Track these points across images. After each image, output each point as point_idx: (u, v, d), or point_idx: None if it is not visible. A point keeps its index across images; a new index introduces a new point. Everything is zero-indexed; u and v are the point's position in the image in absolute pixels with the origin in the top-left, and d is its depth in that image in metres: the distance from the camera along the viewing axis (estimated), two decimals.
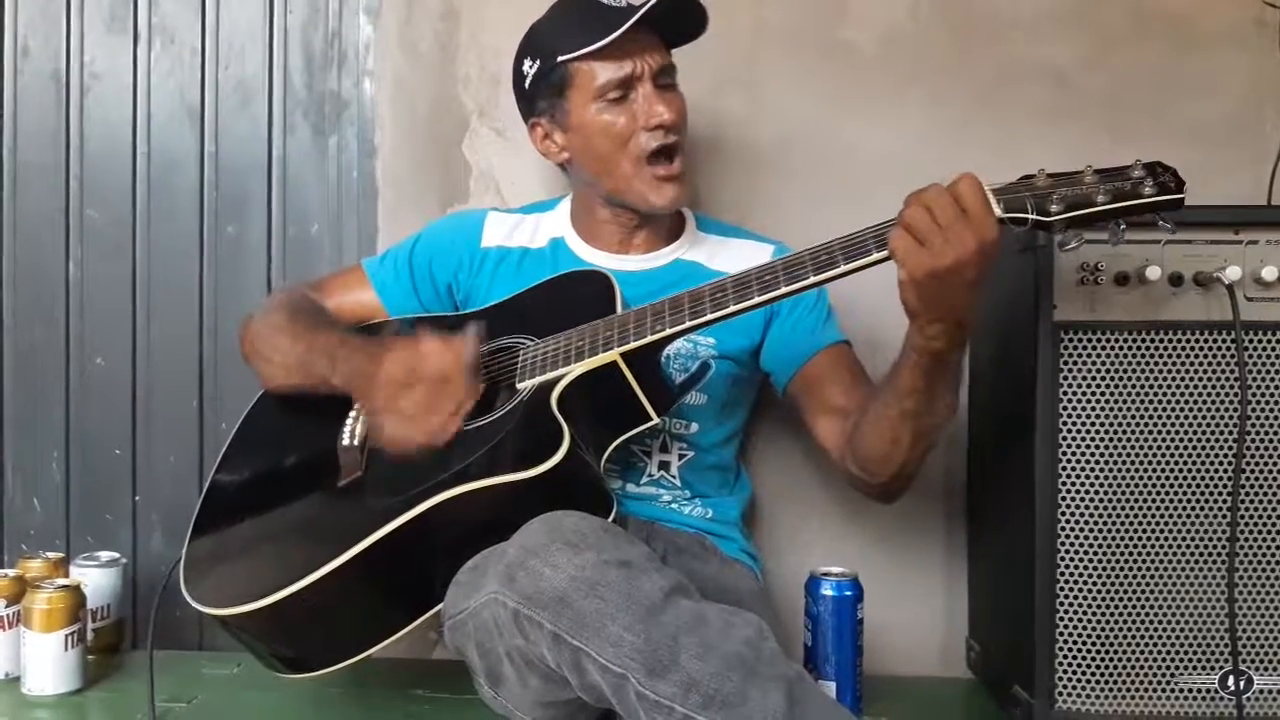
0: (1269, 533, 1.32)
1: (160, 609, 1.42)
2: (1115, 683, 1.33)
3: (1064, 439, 1.34)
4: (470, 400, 1.34)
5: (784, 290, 1.26)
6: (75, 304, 1.96)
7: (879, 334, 1.64)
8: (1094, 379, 1.33)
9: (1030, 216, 1.16)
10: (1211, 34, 1.79)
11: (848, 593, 1.41)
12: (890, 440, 1.34)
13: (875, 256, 1.21)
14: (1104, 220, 1.17)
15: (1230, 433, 1.32)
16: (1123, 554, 1.33)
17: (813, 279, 1.24)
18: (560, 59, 1.48)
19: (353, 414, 1.43)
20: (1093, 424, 1.33)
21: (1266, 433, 1.32)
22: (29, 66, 1.97)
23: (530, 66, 1.54)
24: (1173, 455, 1.33)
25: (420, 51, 1.90)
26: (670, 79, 1.52)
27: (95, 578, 1.67)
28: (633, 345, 1.32)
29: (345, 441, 1.40)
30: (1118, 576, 1.33)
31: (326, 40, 1.94)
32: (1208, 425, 1.32)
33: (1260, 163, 1.78)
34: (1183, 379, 1.33)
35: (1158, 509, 1.33)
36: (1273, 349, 1.33)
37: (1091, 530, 1.33)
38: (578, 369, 1.33)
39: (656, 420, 1.36)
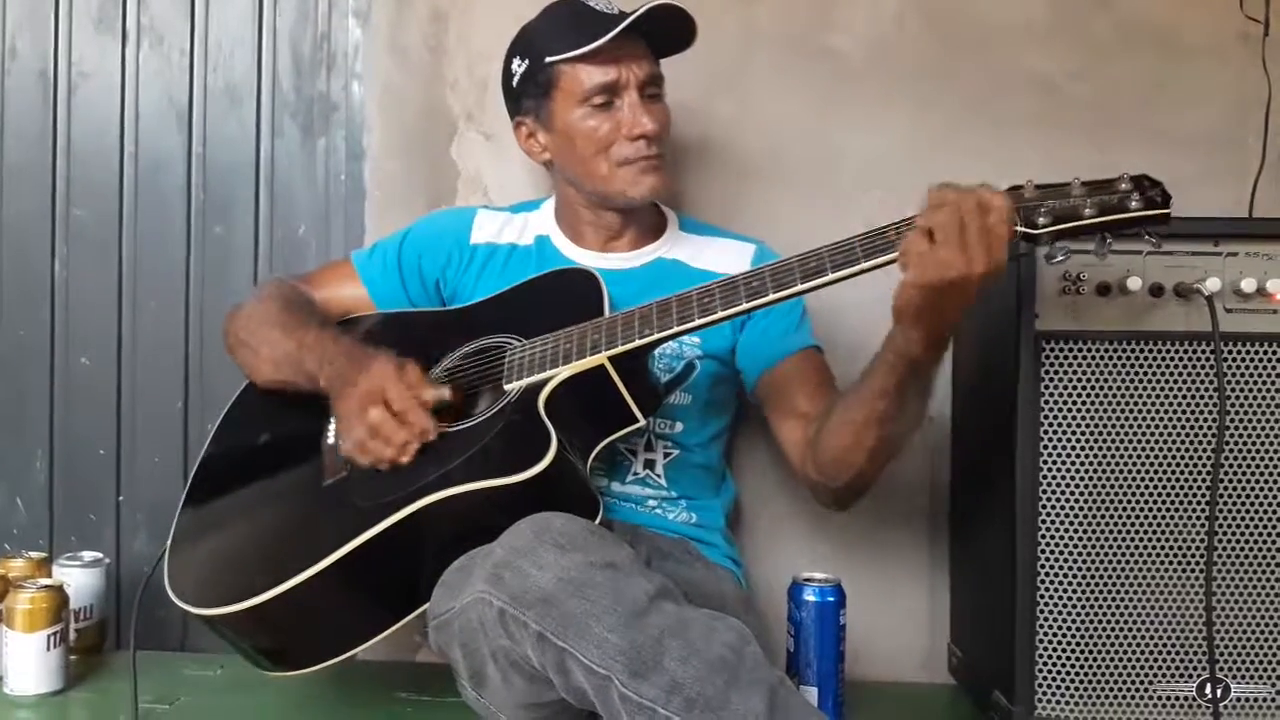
0: (1246, 541, 1.34)
1: (143, 608, 1.41)
2: (1094, 689, 1.34)
3: (1045, 447, 1.35)
4: (424, 437, 1.31)
5: (772, 297, 1.26)
6: (61, 303, 1.95)
7: (864, 340, 1.64)
8: (1075, 388, 1.34)
9: (1018, 229, 1.17)
10: (1196, 47, 1.81)
11: (830, 598, 1.42)
12: (852, 443, 1.35)
13: (864, 265, 1.21)
14: (1090, 233, 1.17)
15: (1209, 442, 1.33)
16: (1103, 561, 1.34)
17: (800, 286, 1.25)
18: (548, 60, 1.49)
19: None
20: (1073, 433, 1.34)
21: (1244, 442, 1.34)
22: (16, 66, 1.96)
23: (519, 66, 1.54)
24: (1152, 464, 1.34)
25: (409, 55, 1.90)
26: (657, 89, 1.53)
27: (78, 578, 1.67)
28: (621, 349, 1.32)
29: (330, 441, 1.40)
30: (1098, 584, 1.34)
31: (315, 43, 1.93)
32: (1187, 435, 1.34)
33: (1243, 175, 1.79)
34: (1162, 389, 1.34)
35: (1137, 517, 1.34)
36: (1251, 360, 1.34)
37: (1072, 537, 1.34)
38: (565, 371, 1.34)
39: (643, 422, 1.37)
